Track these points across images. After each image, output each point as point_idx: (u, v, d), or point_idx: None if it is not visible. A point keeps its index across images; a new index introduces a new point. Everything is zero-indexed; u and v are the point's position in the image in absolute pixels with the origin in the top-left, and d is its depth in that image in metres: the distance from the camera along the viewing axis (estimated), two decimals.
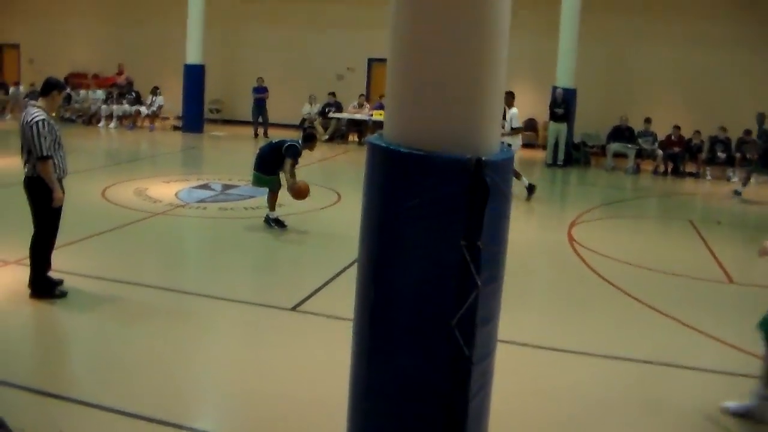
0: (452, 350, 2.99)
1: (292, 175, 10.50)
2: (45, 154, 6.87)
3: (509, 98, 13.89)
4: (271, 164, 10.64)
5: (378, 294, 3.11)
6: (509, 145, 13.13)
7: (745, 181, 16.56)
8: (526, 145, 14.53)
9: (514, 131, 13.86)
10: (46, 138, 6.88)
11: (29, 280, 7.31)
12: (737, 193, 16.17)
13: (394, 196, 3.00)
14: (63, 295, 7.35)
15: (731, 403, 5.62)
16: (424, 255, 2.98)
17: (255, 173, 10.82)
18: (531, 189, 13.92)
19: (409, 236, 2.99)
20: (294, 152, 10.50)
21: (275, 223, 10.75)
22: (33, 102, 7.27)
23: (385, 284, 3.09)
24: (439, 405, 3.05)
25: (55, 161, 7.05)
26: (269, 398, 5.48)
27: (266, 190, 10.91)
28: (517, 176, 13.66)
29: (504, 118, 13.92)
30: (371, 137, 3.26)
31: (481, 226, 2.90)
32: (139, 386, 5.53)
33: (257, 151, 10.98)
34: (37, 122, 6.86)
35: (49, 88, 7.15)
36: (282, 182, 10.73)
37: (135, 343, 6.39)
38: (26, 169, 7.10)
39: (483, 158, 2.87)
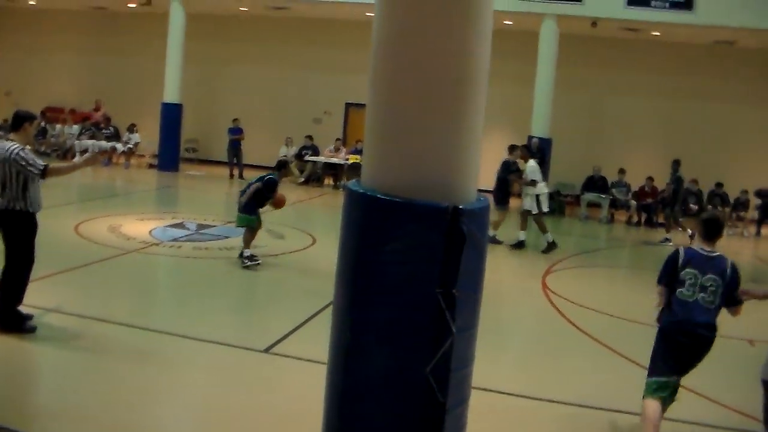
0: (426, 396, 2.99)
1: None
2: (43, 165, 6.96)
3: (525, 152, 14.48)
4: (254, 205, 10.84)
5: (353, 338, 3.11)
6: (537, 196, 13.73)
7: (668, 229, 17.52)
8: None
9: (532, 183, 14.01)
10: (34, 159, 6.94)
11: (3, 317, 7.15)
12: (667, 240, 16.85)
13: (370, 241, 3.02)
14: (32, 330, 7.23)
15: None
16: (400, 300, 2.99)
17: (239, 215, 10.97)
18: (552, 246, 14.07)
19: (384, 281, 3.00)
20: (274, 187, 10.95)
21: (248, 260, 10.77)
22: (9, 136, 7.25)
23: (360, 328, 3.09)
24: None
25: (30, 193, 7.02)
26: None
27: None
28: (543, 230, 14.13)
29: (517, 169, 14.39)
30: (349, 183, 3.28)
31: (457, 273, 2.92)
32: (104, 427, 5.45)
33: (240, 195, 11.08)
34: (17, 152, 6.86)
35: (20, 121, 7.16)
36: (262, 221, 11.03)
37: (102, 382, 6.29)
38: (3, 204, 7.01)
39: (460, 206, 2.90)
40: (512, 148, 14.81)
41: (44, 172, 6.97)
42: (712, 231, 5.73)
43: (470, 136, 3.06)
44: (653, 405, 5.63)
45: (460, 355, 3.06)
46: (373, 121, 3.10)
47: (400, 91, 3.00)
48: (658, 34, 20.47)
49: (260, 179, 10.92)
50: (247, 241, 10.89)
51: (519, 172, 14.41)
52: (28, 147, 7.13)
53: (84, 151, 23.04)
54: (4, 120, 24.80)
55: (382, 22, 3.14)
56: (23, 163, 6.86)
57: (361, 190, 3.07)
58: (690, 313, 5.61)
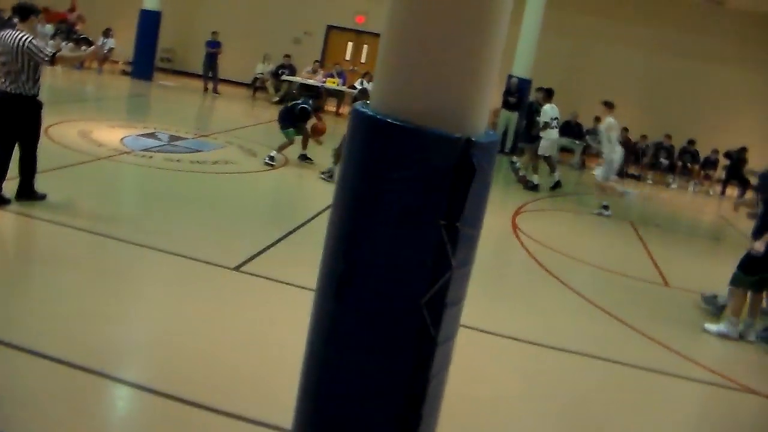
0: (418, 329, 2.94)
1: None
2: (51, 53, 7.61)
3: (543, 95, 14.86)
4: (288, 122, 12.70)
5: (347, 265, 3.03)
6: (539, 139, 14.27)
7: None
8: None
9: (545, 127, 14.49)
10: (44, 46, 7.63)
11: (22, 189, 8.01)
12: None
13: (376, 167, 2.91)
14: (43, 198, 8.15)
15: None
16: (400, 230, 2.90)
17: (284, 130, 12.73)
18: (556, 185, 15.09)
19: (386, 210, 2.90)
20: (307, 116, 12.79)
21: (303, 159, 13.19)
22: (17, 26, 7.76)
23: (356, 257, 3.00)
24: (399, 383, 2.99)
25: (39, 80, 7.80)
26: (201, 354, 5.34)
27: (218, 145, 10.93)
28: (552, 169, 15.00)
29: (537, 114, 14.73)
30: (357, 104, 3.16)
31: (463, 207, 2.84)
32: (67, 332, 5.34)
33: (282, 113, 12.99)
34: (29, 40, 7.45)
35: (27, 12, 7.68)
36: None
37: (66, 289, 6.16)
38: (9, 88, 7.57)
39: (473, 138, 2.81)
40: (537, 90, 15.51)
41: (53, 60, 7.59)
42: None
43: (488, 66, 2.94)
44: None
45: (455, 291, 2.99)
46: (389, 42, 2.97)
47: (420, 14, 2.86)
48: None
49: (295, 105, 12.74)
50: (281, 148, 12.69)
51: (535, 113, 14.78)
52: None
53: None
54: None
55: None
56: (35, 50, 7.44)
57: (371, 113, 2.95)
58: None
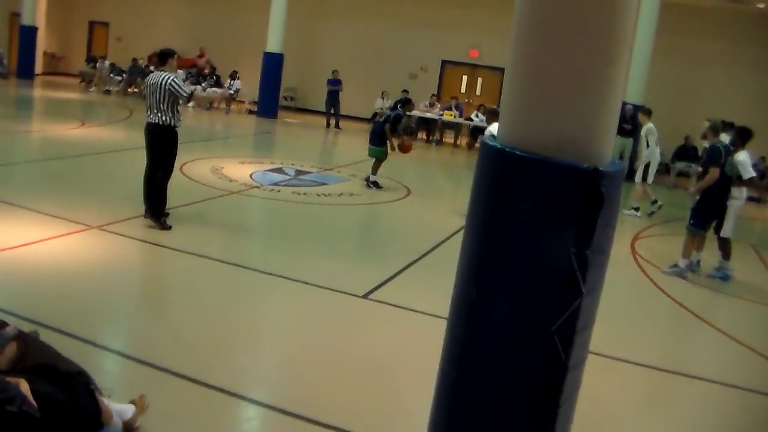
0: (549, 355, 3.02)
1: (389, 138, 13.08)
2: (189, 92, 8.89)
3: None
4: (381, 137, 13.07)
5: (479, 293, 3.14)
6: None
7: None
8: None
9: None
10: (183, 85, 8.74)
11: (155, 211, 8.85)
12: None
13: (505, 198, 3.02)
14: (169, 227, 8.81)
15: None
16: (531, 258, 3.00)
17: (370, 147, 13.26)
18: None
19: (517, 238, 3.01)
20: (399, 120, 13.28)
21: (374, 185, 13.15)
22: (159, 68, 8.90)
23: (488, 284, 3.12)
24: (529, 408, 3.08)
25: (178, 112, 8.78)
26: (330, 378, 5.53)
27: (342, 178, 11.33)
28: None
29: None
30: (484, 138, 3.30)
31: (592, 235, 2.92)
32: (203, 355, 5.65)
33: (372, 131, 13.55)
34: (173, 79, 8.58)
35: (165, 57, 8.85)
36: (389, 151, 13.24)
37: (202, 315, 6.50)
38: (155, 120, 8.65)
39: (600, 168, 2.89)
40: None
41: (190, 97, 8.97)
42: None
43: (613, 95, 3.03)
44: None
45: (585, 317, 3.07)
46: (515, 77, 3.09)
47: (545, 48, 2.96)
48: (762, 6, 19.76)
49: (388, 117, 13.13)
50: (375, 169, 13.20)
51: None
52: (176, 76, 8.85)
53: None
54: (112, 64, 25.88)
55: None
56: (176, 87, 8.54)
57: (499, 146, 3.08)
58: None
